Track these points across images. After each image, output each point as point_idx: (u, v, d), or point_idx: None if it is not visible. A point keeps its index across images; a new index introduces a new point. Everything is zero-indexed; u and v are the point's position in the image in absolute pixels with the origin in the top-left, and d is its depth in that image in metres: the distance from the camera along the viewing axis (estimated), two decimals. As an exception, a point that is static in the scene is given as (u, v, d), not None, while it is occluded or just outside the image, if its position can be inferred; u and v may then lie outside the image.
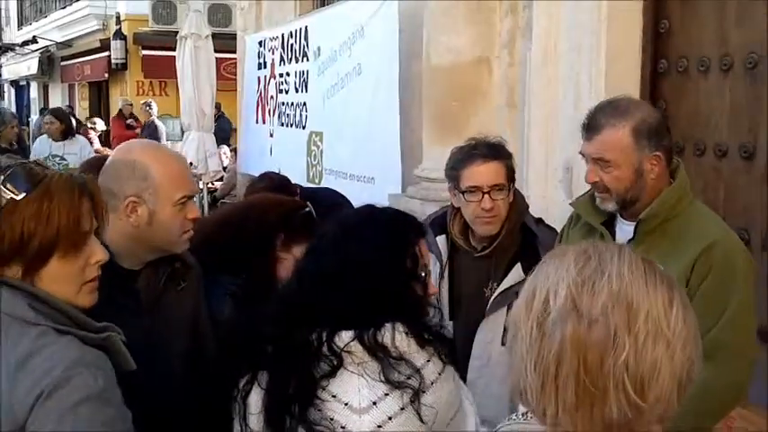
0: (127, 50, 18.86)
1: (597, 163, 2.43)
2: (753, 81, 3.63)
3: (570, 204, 2.82)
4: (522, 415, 1.23)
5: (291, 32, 8.21)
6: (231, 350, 2.02)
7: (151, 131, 13.40)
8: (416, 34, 5.43)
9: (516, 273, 2.88)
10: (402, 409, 1.78)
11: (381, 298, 1.86)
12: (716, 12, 3.81)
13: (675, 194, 2.45)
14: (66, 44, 22.61)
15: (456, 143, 4.69)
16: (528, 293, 1.18)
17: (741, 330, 2.32)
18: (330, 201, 4.25)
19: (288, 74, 8.42)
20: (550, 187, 4.47)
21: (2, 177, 1.53)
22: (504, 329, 2.83)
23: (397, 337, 1.81)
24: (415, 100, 5.62)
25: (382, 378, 1.79)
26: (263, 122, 9.37)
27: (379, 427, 1.77)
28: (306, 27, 7.81)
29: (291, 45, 8.23)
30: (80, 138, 9.22)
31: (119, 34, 18.86)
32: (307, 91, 7.84)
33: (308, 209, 2.77)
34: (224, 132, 13.24)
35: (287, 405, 1.81)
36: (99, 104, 21.93)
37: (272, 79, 9.04)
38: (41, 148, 8.60)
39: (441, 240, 3.05)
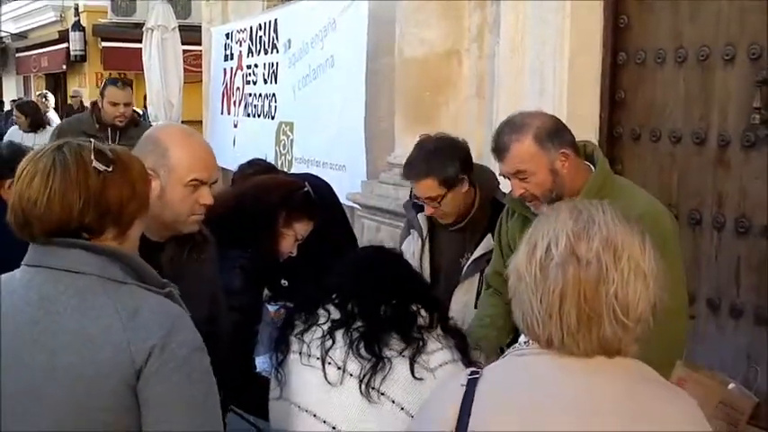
0: (86, 42, 18.77)
1: (516, 177, 2.66)
2: (704, 72, 3.94)
3: (504, 201, 3.07)
4: (525, 343, 1.52)
5: (260, 25, 8.39)
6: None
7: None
8: (386, 29, 5.69)
9: (487, 242, 3.19)
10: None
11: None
12: (671, 8, 4.11)
13: (600, 178, 2.71)
14: (22, 35, 22.37)
15: (428, 132, 4.99)
16: (529, 246, 1.47)
17: (678, 293, 2.56)
18: (317, 185, 4.48)
19: (256, 65, 8.59)
20: (517, 173, 4.74)
21: (92, 154, 1.71)
22: (478, 294, 3.14)
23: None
24: (384, 91, 5.88)
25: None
26: (228, 113, 9.54)
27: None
28: (275, 20, 7.99)
29: (260, 37, 8.41)
30: (50, 129, 9.27)
31: (77, 26, 18.76)
32: (276, 82, 8.03)
33: (306, 188, 3.02)
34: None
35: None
36: (56, 96, 21.73)
37: (238, 71, 9.20)
38: (13, 139, 8.67)
39: (421, 217, 3.34)
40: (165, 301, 1.72)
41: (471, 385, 1.48)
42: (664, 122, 4.18)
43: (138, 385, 1.62)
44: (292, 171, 7.47)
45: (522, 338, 1.54)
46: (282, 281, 4.43)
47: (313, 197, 3.05)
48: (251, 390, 2.75)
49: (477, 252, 3.18)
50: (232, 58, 9.39)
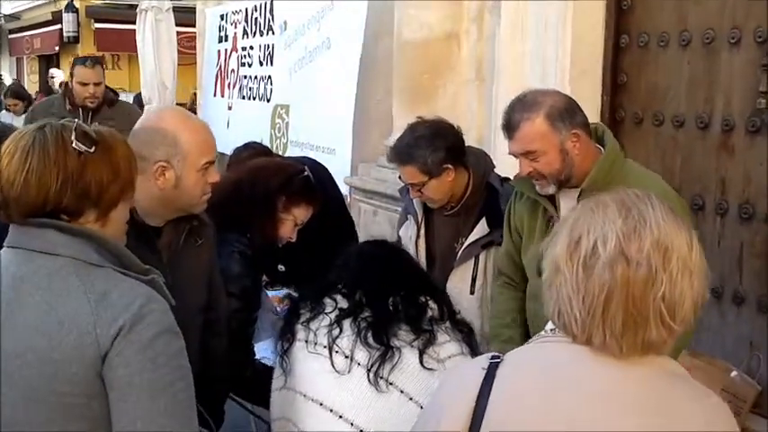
0: (79, 23, 18.59)
1: (526, 156, 2.62)
2: (709, 56, 3.88)
3: (511, 183, 3.03)
4: (552, 331, 1.46)
5: (256, 6, 8.28)
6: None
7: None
8: (384, 11, 5.61)
9: (481, 227, 3.15)
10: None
11: None
12: (675, -10, 4.05)
13: (609, 160, 2.67)
14: (14, 17, 22.16)
15: (426, 115, 4.93)
16: (569, 239, 1.40)
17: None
18: (316, 168, 4.43)
19: (251, 47, 8.50)
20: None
21: (74, 135, 1.67)
22: (473, 279, 3.09)
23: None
24: (382, 74, 5.81)
25: None
26: (222, 96, 9.44)
27: None
28: (271, 1, 7.89)
29: (256, 18, 8.31)
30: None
31: (70, 7, 18.55)
32: (272, 64, 7.94)
33: (306, 173, 2.96)
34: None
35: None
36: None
37: (233, 52, 9.10)
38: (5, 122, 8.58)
39: (416, 202, 3.29)
40: (139, 284, 1.68)
41: (492, 369, 1.44)
42: (667, 106, 4.12)
43: (103, 369, 1.60)
44: (287, 154, 7.44)
45: (548, 326, 1.49)
46: (279, 266, 4.39)
47: (313, 182, 2.99)
48: (250, 377, 2.71)
49: (472, 237, 3.14)
50: (227, 40, 9.28)
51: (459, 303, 3.11)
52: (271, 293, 4.24)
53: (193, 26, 11.01)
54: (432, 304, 2.21)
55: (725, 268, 3.81)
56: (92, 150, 1.68)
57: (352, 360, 2.12)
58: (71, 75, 5.57)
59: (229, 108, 9.18)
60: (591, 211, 1.41)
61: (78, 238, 1.67)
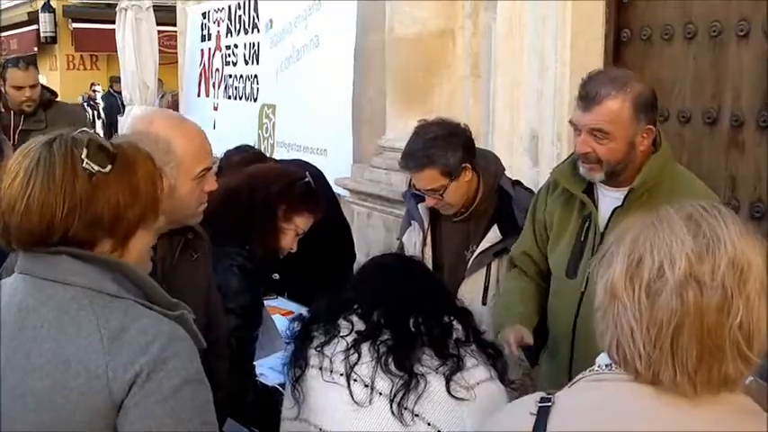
0: (56, 23, 18.30)
1: (593, 134, 2.44)
2: (716, 49, 3.75)
3: (551, 173, 2.88)
4: (607, 366, 1.29)
5: (239, 4, 8.10)
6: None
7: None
8: (375, 6, 5.45)
9: (493, 234, 3.00)
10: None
11: None
12: (679, -19, 3.92)
13: (662, 159, 2.53)
14: (-10, 17, 21.81)
15: (420, 113, 4.78)
16: (629, 260, 1.22)
17: None
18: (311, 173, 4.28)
19: (236, 45, 8.32)
20: (516, 155, 4.55)
21: (85, 152, 1.45)
22: (485, 289, 2.94)
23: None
24: (373, 71, 5.65)
25: None
26: (207, 96, 9.25)
27: None
28: (255, -2, 7.73)
29: (240, 16, 8.13)
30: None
31: (47, 7, 18.28)
32: (258, 63, 7.77)
33: (307, 179, 2.80)
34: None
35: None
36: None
37: (217, 51, 8.91)
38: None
39: (422, 207, 3.13)
40: (163, 321, 1.46)
41: (542, 414, 1.26)
42: (672, 102, 3.98)
43: (118, 419, 1.38)
44: (275, 156, 7.28)
45: (601, 360, 1.31)
46: (274, 274, 4.22)
47: (314, 188, 2.83)
48: (250, 399, 2.55)
49: (483, 245, 2.98)
50: (210, 39, 9.09)
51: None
52: (266, 303, 4.09)
53: (174, 25, 10.81)
54: (456, 324, 2.04)
55: (737, 269, 3.68)
56: (106, 170, 1.46)
57: (372, 389, 1.93)
58: (2, 78, 5.09)
59: (215, 108, 8.99)
60: (653, 227, 1.24)
61: (94, 264, 1.46)
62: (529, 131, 4.45)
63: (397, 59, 5.15)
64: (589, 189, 2.65)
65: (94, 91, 14.68)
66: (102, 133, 12.63)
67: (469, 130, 3.04)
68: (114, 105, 12.05)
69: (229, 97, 8.60)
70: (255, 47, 7.78)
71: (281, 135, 7.26)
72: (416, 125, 3.05)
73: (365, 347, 1.97)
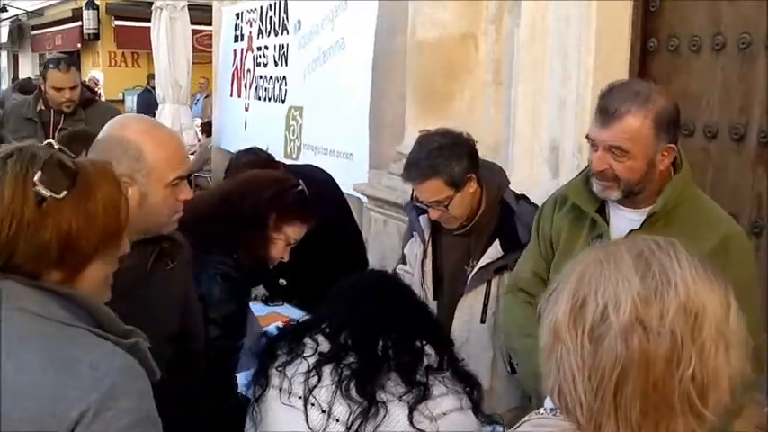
0: (99, 21, 18.51)
1: (611, 151, 2.30)
2: (745, 62, 3.59)
3: (559, 189, 2.74)
4: (551, 410, 1.18)
5: (270, 5, 8.06)
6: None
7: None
8: (400, 7, 5.34)
9: (494, 250, 2.88)
10: None
11: None
12: (709, -10, 3.76)
13: (682, 184, 2.38)
14: (37, 13, 22.16)
15: (440, 120, 4.64)
16: (573, 300, 1.12)
17: (757, 329, 2.24)
18: (317, 179, 4.20)
19: (266, 47, 8.28)
20: (536, 166, 4.42)
21: (38, 173, 1.33)
22: (484, 306, 2.82)
23: None
24: (397, 75, 5.54)
25: None
26: (239, 96, 9.23)
27: None
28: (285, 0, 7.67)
29: (270, 18, 8.09)
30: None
31: (91, 4, 18.51)
32: (287, 65, 7.71)
33: (300, 187, 2.70)
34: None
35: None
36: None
37: (249, 52, 8.89)
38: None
39: (423, 219, 3.02)
40: (116, 353, 1.35)
41: None
42: (698, 116, 3.82)
43: None
44: (301, 158, 7.21)
45: (548, 403, 1.19)
46: (281, 280, 4.14)
47: (308, 197, 2.73)
48: (231, 413, 2.45)
49: (484, 260, 2.85)
50: (242, 39, 9.07)
51: (468, 332, 2.88)
52: (271, 309, 4.01)
53: (210, 24, 10.84)
54: (429, 350, 1.92)
55: (762, 294, 3.51)
56: (60, 195, 1.34)
57: (329, 416, 1.83)
58: (44, 78, 5.06)
59: (246, 109, 8.97)
60: (599, 265, 1.12)
61: (42, 290, 1.35)
62: (549, 142, 4.32)
63: (417, 63, 5.04)
64: (601, 208, 2.51)
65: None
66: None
67: (473, 140, 2.93)
68: (151, 102, 12.14)
69: (259, 98, 8.56)
70: (285, 48, 7.73)
71: (308, 138, 7.19)
72: (419, 135, 2.94)
73: (327, 370, 1.87)
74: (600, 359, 1.07)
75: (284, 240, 2.63)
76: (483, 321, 2.82)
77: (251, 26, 8.73)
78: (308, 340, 1.95)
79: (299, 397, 1.87)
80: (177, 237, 2.19)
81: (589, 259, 1.15)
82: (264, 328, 2.84)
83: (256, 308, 4.05)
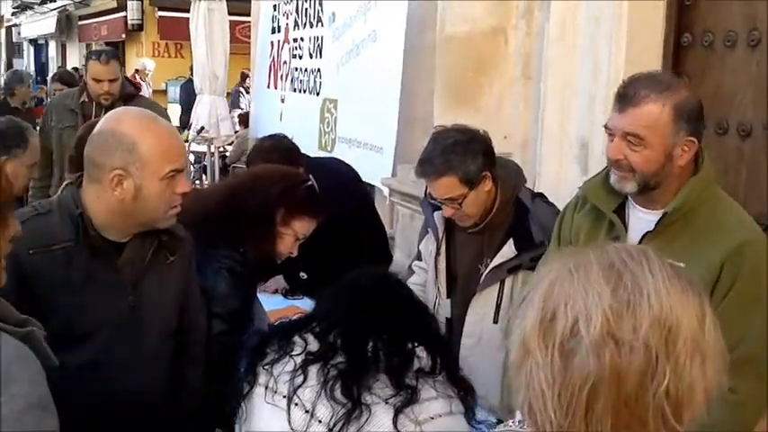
0: (143, 11, 18.70)
1: (626, 139, 2.21)
2: (781, 58, 3.46)
3: (580, 188, 2.67)
4: (519, 422, 1.12)
5: (306, -3, 8.06)
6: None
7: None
8: (431, 5, 5.28)
9: (508, 249, 2.81)
10: None
11: None
12: (745, -16, 3.63)
13: (703, 182, 2.27)
14: (84, 3, 22.48)
15: (469, 115, 4.57)
16: (542, 313, 1.05)
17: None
18: (338, 172, 4.19)
19: (302, 39, 8.27)
20: (565, 163, 4.33)
21: None
22: (497, 307, 2.76)
23: None
24: (428, 70, 5.48)
25: None
26: (275, 88, 9.23)
27: None
28: (320, -9, 7.66)
29: (306, 9, 8.08)
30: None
31: (135, -5, 18.73)
32: (321, 57, 7.69)
33: (310, 182, 2.67)
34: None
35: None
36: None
37: (285, 44, 8.89)
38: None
39: (437, 216, 2.97)
40: (8, 341, 1.35)
41: None
42: (732, 113, 3.70)
43: None
44: (335, 151, 7.19)
45: (519, 414, 1.15)
46: (301, 274, 4.11)
47: (317, 192, 2.69)
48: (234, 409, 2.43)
49: (497, 260, 2.78)
50: (279, 31, 9.07)
51: (480, 331, 2.82)
52: (290, 302, 3.98)
53: (249, 15, 10.86)
54: (421, 353, 1.86)
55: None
56: None
57: (312, 416, 1.79)
58: (85, 69, 5.15)
59: (282, 101, 8.97)
60: (569, 276, 1.05)
61: None
62: (579, 138, 4.22)
63: (446, 58, 4.97)
64: (620, 208, 2.43)
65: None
66: (177, 121, 12.80)
67: (489, 137, 2.85)
68: (193, 92, 12.22)
69: (295, 90, 8.55)
70: (319, 40, 7.71)
71: (342, 130, 7.16)
72: (433, 131, 2.88)
73: (314, 370, 1.83)
74: (571, 376, 1.01)
75: (292, 235, 2.60)
76: (496, 321, 2.76)
77: (287, 18, 8.73)
78: (297, 339, 1.91)
79: (284, 396, 1.83)
80: (177, 230, 2.18)
81: (558, 269, 1.08)
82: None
83: (276, 301, 4.04)
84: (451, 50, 4.90)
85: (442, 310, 2.90)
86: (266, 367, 1.91)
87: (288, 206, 2.57)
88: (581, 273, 1.04)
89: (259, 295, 3.99)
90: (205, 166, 10.75)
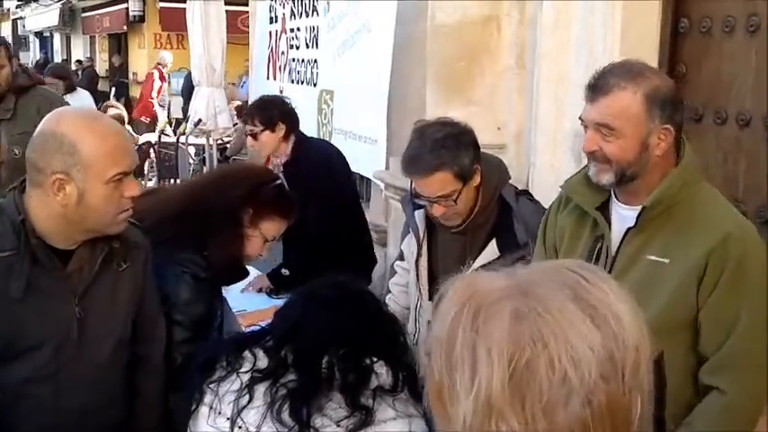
0: (144, 3, 18.61)
1: (599, 130, 2.13)
2: (781, 44, 3.32)
3: (560, 187, 2.55)
4: None
5: (302, -15, 7.92)
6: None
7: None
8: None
9: (491, 250, 2.68)
10: None
11: None
12: (743, -32, 3.48)
13: (682, 178, 2.18)
14: (86, -5, 22.41)
15: (462, 106, 4.43)
16: (511, 366, 0.87)
17: (761, 337, 2.07)
18: (323, 153, 4.14)
19: (299, 29, 8.12)
20: (559, 154, 4.20)
21: None
22: None
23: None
24: (420, 61, 5.35)
25: None
26: (274, 79, 9.09)
27: None
28: (316, -20, 7.51)
29: (302, -1, 7.94)
30: (81, 91, 8.99)
31: (136, -14, 18.62)
32: (318, 47, 7.56)
33: (279, 181, 2.54)
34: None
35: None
36: (118, 57, 21.72)
37: (282, 34, 8.75)
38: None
39: (418, 215, 2.83)
40: None
41: None
42: (731, 102, 3.56)
43: None
44: (332, 142, 7.06)
45: None
46: (283, 270, 4.00)
47: (287, 192, 2.56)
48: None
49: (479, 261, 2.64)
50: (276, 21, 8.93)
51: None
52: (274, 302, 3.86)
53: (247, 5, 10.73)
54: (380, 368, 1.73)
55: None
56: None
57: None
58: None
59: (281, 92, 8.83)
60: (537, 315, 0.88)
61: None
62: (573, 129, 4.08)
63: (437, 47, 4.83)
64: (605, 206, 2.33)
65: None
66: (180, 113, 12.67)
67: (473, 130, 2.72)
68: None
69: (293, 81, 8.42)
70: (315, 30, 7.56)
71: (339, 122, 7.03)
72: (414, 126, 2.73)
73: (261, 389, 1.70)
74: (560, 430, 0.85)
75: (260, 237, 2.47)
76: None
77: (284, 7, 8.58)
78: (247, 354, 1.78)
79: (227, 418, 1.71)
80: (132, 236, 2.06)
81: (513, 303, 0.90)
82: (248, 329, 2.69)
83: (260, 300, 3.94)
84: (443, 39, 4.77)
85: (425, 312, 2.77)
86: (212, 386, 1.78)
87: (256, 206, 2.44)
88: (553, 309, 0.88)
89: (244, 294, 3.91)
90: (204, 158, 10.65)
